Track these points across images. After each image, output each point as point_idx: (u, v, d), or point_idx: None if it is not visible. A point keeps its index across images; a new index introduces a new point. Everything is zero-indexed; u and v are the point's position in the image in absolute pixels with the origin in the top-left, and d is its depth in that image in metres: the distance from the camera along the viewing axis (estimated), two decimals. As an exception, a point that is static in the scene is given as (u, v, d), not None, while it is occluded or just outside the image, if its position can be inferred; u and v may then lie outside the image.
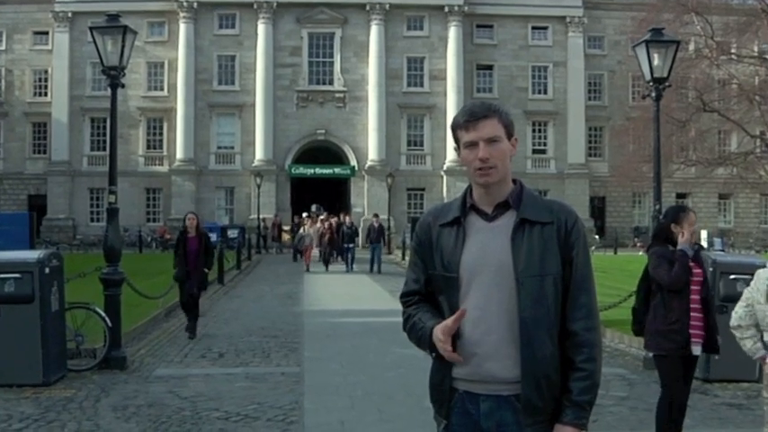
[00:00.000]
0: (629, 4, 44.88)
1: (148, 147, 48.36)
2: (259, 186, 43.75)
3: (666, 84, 10.48)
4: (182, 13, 47.10)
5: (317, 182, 48.78)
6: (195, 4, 47.00)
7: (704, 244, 34.70)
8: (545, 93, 50.13)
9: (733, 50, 35.40)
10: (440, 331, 2.52)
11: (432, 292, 2.69)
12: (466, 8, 47.89)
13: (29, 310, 8.28)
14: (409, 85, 48.59)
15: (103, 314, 9.50)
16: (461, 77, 47.93)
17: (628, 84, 48.66)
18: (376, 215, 29.88)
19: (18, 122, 48.71)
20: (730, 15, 34.44)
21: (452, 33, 48.04)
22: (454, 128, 2.65)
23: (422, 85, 48.69)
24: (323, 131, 47.85)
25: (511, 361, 2.51)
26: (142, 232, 42.07)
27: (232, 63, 48.06)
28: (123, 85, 10.58)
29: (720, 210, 51.93)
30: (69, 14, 46.80)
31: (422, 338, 2.62)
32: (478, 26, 49.53)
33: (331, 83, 48.23)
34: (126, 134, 45.21)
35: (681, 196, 48.52)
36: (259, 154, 47.15)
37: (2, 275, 8.31)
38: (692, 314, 5.75)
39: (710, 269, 7.91)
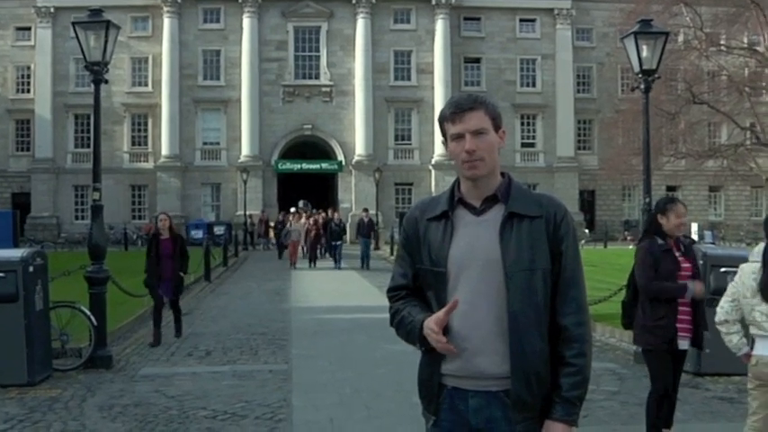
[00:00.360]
0: (618, -5, 44.92)
1: (133, 143, 48.07)
2: (245, 182, 43.64)
3: (656, 76, 10.46)
4: (165, 7, 46.80)
5: (304, 177, 48.71)
6: (179, -1, 46.78)
7: (695, 237, 34.81)
8: (533, 86, 50.15)
9: (722, 42, 35.40)
10: (432, 322, 2.48)
11: (419, 286, 2.67)
12: (453, 1, 47.84)
13: (13, 310, 8.19)
14: (396, 78, 48.52)
15: (89, 313, 9.40)
16: (449, 71, 47.88)
17: (617, 76, 48.66)
18: (366, 209, 29.69)
19: (1, 119, 48.30)
20: (719, 6, 34.36)
21: (440, 26, 47.97)
22: (441, 121, 2.63)
23: (409, 79, 48.64)
24: (309, 126, 47.73)
25: (499, 356, 2.49)
26: (127, 230, 41.73)
27: (217, 58, 47.85)
28: (107, 81, 10.49)
29: (711, 202, 52.17)
30: (52, 10, 46.44)
31: (411, 332, 2.59)
32: (466, 19, 49.46)
33: (317, 77, 48.11)
34: (110, 131, 44.97)
35: (671, 189, 48.60)
36: (245, 149, 46.98)
37: (-15, 274, 8.21)
38: (679, 308, 5.72)
39: (701, 262, 7.88)
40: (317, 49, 48.14)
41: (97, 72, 10.01)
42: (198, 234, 39.16)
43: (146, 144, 48.11)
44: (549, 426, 2.49)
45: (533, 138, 50.30)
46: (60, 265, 13.55)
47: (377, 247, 32.85)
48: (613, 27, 41.14)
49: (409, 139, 48.83)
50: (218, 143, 48.11)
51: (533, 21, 49.94)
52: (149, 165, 47.58)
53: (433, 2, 47.80)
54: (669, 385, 5.83)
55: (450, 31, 48.16)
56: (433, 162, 47.47)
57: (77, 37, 10.14)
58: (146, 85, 47.94)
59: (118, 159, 46.75)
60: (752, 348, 4.85)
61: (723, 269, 8.14)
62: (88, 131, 45.16)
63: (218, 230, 40.60)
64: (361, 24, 47.47)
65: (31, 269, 8.39)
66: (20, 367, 8.18)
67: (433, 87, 47.81)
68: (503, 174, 2.64)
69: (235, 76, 47.43)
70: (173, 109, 46.77)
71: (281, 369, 9.27)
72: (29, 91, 48.03)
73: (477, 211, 2.59)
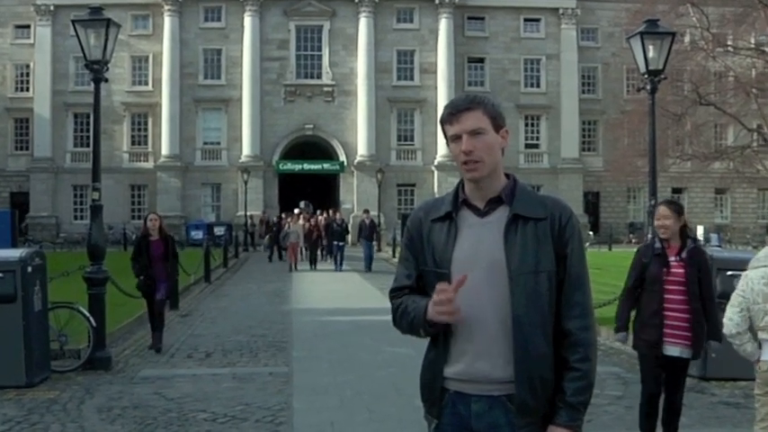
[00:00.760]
0: (623, -6, 44.78)
1: (133, 143, 47.97)
2: (246, 183, 43.59)
3: (662, 76, 10.42)
4: (166, 5, 46.74)
5: (306, 178, 48.66)
6: (180, -3, 46.73)
7: (700, 239, 34.64)
8: (538, 86, 50.00)
9: (729, 42, 35.18)
10: (440, 289, 2.42)
11: (423, 288, 2.63)
12: (456, 0, 47.71)
13: (11, 310, 8.14)
14: (399, 78, 48.43)
15: (87, 314, 9.35)
16: (452, 71, 47.77)
17: (622, 76, 48.43)
18: (366, 211, 28.97)
19: (-1, 118, 48.21)
20: (726, 6, 34.20)
21: (443, 26, 47.88)
22: (441, 122, 2.63)
23: (412, 79, 48.56)
24: (311, 126, 47.65)
25: (503, 360, 2.47)
26: (127, 230, 41.53)
27: (218, 57, 47.77)
28: (107, 80, 10.47)
29: (717, 205, 51.96)
30: (51, 8, 46.41)
31: (415, 319, 2.55)
32: (470, 18, 49.37)
33: (319, 77, 48.04)
34: (110, 130, 44.91)
35: (677, 191, 48.54)
36: (246, 149, 46.89)
37: (-17, 275, 8.16)
38: (667, 314, 5.65)
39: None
40: (319, 49, 48.07)
41: (97, 71, 9.98)
42: (198, 235, 39.13)
43: (146, 143, 48.02)
44: (552, 431, 2.46)
45: (537, 139, 50.15)
46: (59, 265, 13.49)
47: (378, 249, 32.51)
48: (619, 27, 41.06)
49: (412, 139, 48.73)
50: (218, 143, 48.02)
51: (538, 20, 49.81)
52: (149, 164, 47.47)
53: (437, 1, 47.72)
54: (653, 390, 5.81)
55: (454, 31, 48.08)
56: (435, 163, 47.33)
57: (77, 35, 10.10)
58: (146, 84, 47.85)
59: (117, 159, 46.69)
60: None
61: (729, 272, 8.04)
62: (88, 131, 45.02)
63: (219, 231, 40.52)
64: (363, 23, 47.40)
65: (29, 269, 8.34)
66: (18, 368, 8.13)
67: (436, 87, 47.67)
68: (507, 175, 2.61)
69: (236, 76, 47.35)
70: (173, 108, 46.69)
71: (282, 372, 9.21)
72: (28, 90, 47.89)
73: (481, 212, 2.57)
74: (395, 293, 2.71)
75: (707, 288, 5.75)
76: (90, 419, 7.05)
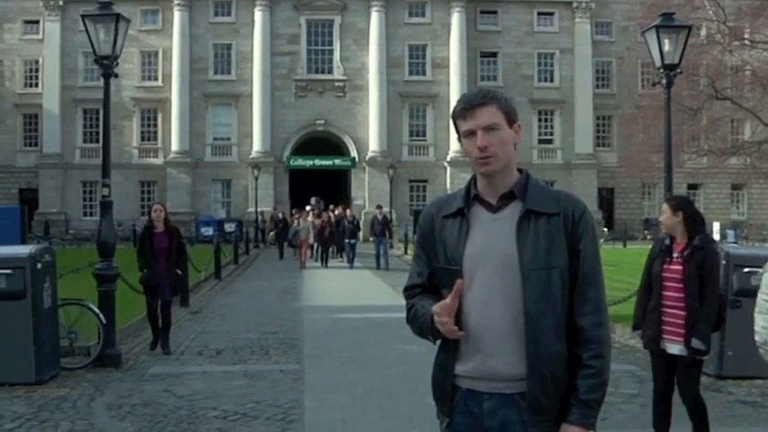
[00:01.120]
0: (638, -12, 44.42)
1: (143, 138, 48.00)
2: (257, 179, 43.52)
3: (677, 70, 10.28)
4: (176, 0, 46.72)
5: (317, 174, 48.60)
6: (190, -9, 46.76)
7: (716, 236, 34.35)
8: (551, 81, 49.70)
9: (746, 36, 34.84)
10: (438, 308, 2.46)
11: (435, 285, 2.62)
12: (469, -6, 47.54)
13: (21, 307, 8.13)
14: (411, 73, 48.28)
15: (97, 311, 9.34)
16: (465, 65, 47.55)
17: (637, 71, 48.01)
18: (379, 206, 28.20)
19: (8, 114, 48.17)
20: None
21: (455, 20, 47.69)
22: (454, 118, 2.61)
23: (424, 74, 48.39)
24: (322, 122, 47.60)
25: (515, 357, 2.45)
26: (136, 226, 41.41)
27: (228, 52, 47.74)
28: (116, 75, 10.40)
29: (733, 201, 51.53)
30: (60, 2, 46.52)
31: (424, 325, 2.56)
32: (482, 12, 49.14)
33: (330, 71, 47.95)
34: (119, 125, 44.92)
35: (692, 187, 48.16)
36: (256, 145, 46.87)
37: (-7, 271, 8.15)
38: (664, 310, 5.57)
39: (724, 262, 7.65)
40: (330, 43, 47.99)
41: (107, 66, 9.96)
42: (208, 231, 39.16)
43: (155, 139, 48.05)
44: (565, 429, 2.44)
45: (551, 134, 49.86)
46: (68, 262, 13.52)
47: (391, 246, 31.80)
48: (633, 21, 40.70)
49: (424, 135, 48.57)
50: (228, 138, 48.02)
51: (551, 14, 49.50)
52: (159, 160, 47.52)
53: (449, -5, 47.52)
54: (662, 388, 5.75)
55: (466, 25, 47.86)
56: (448, 159, 47.14)
57: (87, 30, 10.08)
58: (156, 79, 47.85)
59: (127, 155, 46.67)
60: None
61: (746, 269, 7.92)
62: (97, 126, 45.06)
63: (229, 227, 40.43)
64: (375, 18, 47.27)
65: (39, 266, 8.32)
66: (27, 365, 8.12)
67: (448, 82, 47.47)
68: (520, 170, 2.59)
69: (246, 71, 47.33)
70: (183, 104, 46.73)
71: (293, 369, 9.16)
72: (37, 85, 47.92)
73: (493, 208, 2.55)
74: (408, 292, 2.70)
75: (710, 287, 5.51)
76: (100, 417, 7.03)
